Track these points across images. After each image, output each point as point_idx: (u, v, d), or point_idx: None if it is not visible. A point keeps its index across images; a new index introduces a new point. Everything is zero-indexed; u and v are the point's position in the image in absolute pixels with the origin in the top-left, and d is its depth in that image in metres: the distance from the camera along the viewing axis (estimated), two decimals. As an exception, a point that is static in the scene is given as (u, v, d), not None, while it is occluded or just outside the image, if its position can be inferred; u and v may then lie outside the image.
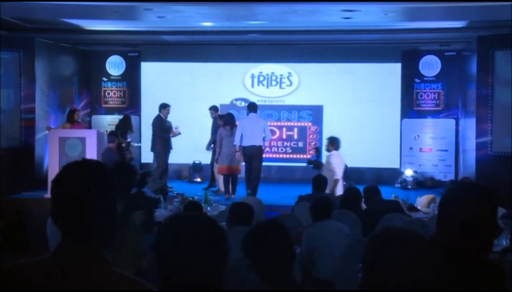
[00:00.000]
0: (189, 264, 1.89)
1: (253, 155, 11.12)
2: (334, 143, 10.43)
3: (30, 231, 8.18)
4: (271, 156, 14.54)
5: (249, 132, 10.99)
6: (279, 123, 14.82)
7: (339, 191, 10.02)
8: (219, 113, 12.77)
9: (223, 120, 11.79)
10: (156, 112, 13.88)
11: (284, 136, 14.78)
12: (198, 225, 1.96)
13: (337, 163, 10.22)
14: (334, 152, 10.37)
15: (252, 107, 11.64)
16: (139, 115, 15.03)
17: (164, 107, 12.31)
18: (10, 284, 1.91)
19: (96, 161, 2.04)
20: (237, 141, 11.15)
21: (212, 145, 12.55)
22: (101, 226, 1.94)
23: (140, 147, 14.21)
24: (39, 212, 7.74)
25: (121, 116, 14.26)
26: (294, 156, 14.83)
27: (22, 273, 1.92)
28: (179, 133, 12.51)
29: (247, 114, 11.75)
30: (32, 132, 12.64)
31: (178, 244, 1.90)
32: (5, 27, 12.34)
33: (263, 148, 11.46)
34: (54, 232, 4.40)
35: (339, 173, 10.16)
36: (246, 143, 11.12)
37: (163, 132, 12.16)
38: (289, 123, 14.87)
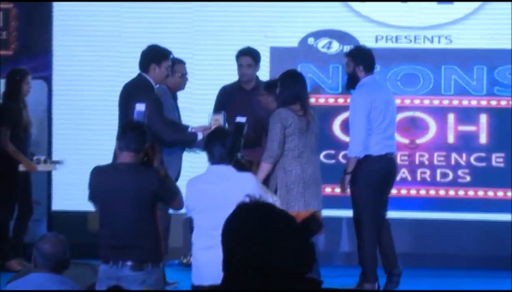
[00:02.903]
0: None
1: (391, 176, 5.96)
2: None
3: None
4: (405, 190, 6.95)
5: (383, 123, 5.76)
6: (434, 103, 7.17)
7: None
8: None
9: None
10: (90, 67, 7.65)
11: (451, 139, 6.78)
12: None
13: None
14: None
15: (368, 59, 5.98)
16: (48, 79, 7.76)
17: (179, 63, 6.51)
18: None
19: None
20: (358, 147, 5.85)
21: None
22: None
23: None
24: None
25: None
26: (476, 193, 6.68)
27: None
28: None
29: (365, 76, 5.86)
30: None
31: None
32: None
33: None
34: None
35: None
36: (376, 150, 5.77)
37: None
38: (461, 102, 6.91)
